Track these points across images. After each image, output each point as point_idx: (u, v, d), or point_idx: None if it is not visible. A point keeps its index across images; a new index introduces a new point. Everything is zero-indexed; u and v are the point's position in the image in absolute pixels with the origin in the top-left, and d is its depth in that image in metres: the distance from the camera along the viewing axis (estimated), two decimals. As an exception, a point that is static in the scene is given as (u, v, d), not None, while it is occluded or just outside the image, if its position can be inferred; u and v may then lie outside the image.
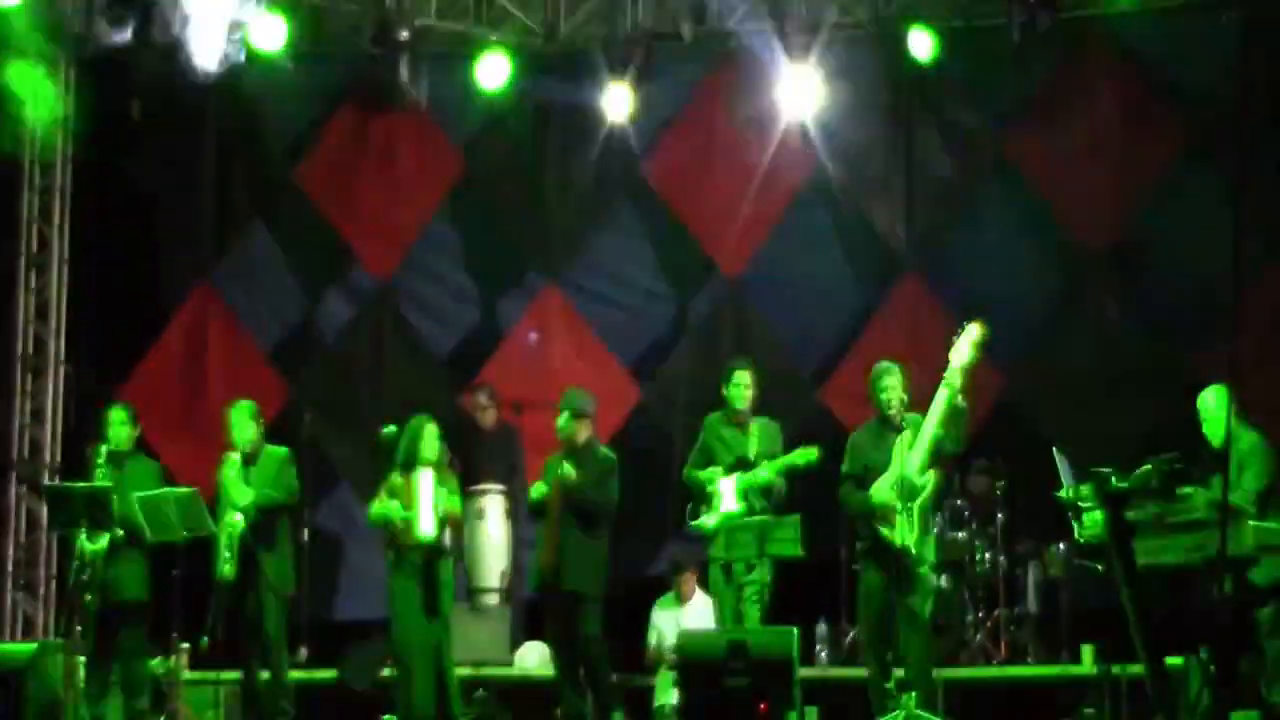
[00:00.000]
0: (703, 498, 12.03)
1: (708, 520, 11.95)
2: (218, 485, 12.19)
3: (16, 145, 14.84)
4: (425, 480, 11.85)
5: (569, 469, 11.91)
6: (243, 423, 12.25)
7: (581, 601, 11.94)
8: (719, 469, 11.99)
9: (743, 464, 11.93)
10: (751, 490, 11.85)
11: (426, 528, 11.77)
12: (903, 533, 11.08)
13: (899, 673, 11.17)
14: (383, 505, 11.89)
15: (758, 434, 11.99)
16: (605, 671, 12.11)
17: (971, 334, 11.22)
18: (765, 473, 11.83)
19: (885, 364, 11.56)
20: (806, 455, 11.79)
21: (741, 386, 12.09)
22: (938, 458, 11.26)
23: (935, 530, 11.72)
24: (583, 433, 12.17)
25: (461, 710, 12.09)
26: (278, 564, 12.12)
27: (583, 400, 12.27)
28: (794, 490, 11.96)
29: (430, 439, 11.92)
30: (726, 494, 11.92)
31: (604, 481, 12.05)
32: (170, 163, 15.54)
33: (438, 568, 11.90)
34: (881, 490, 11.20)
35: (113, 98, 15.16)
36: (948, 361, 11.18)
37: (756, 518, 11.63)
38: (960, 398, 11.13)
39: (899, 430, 11.27)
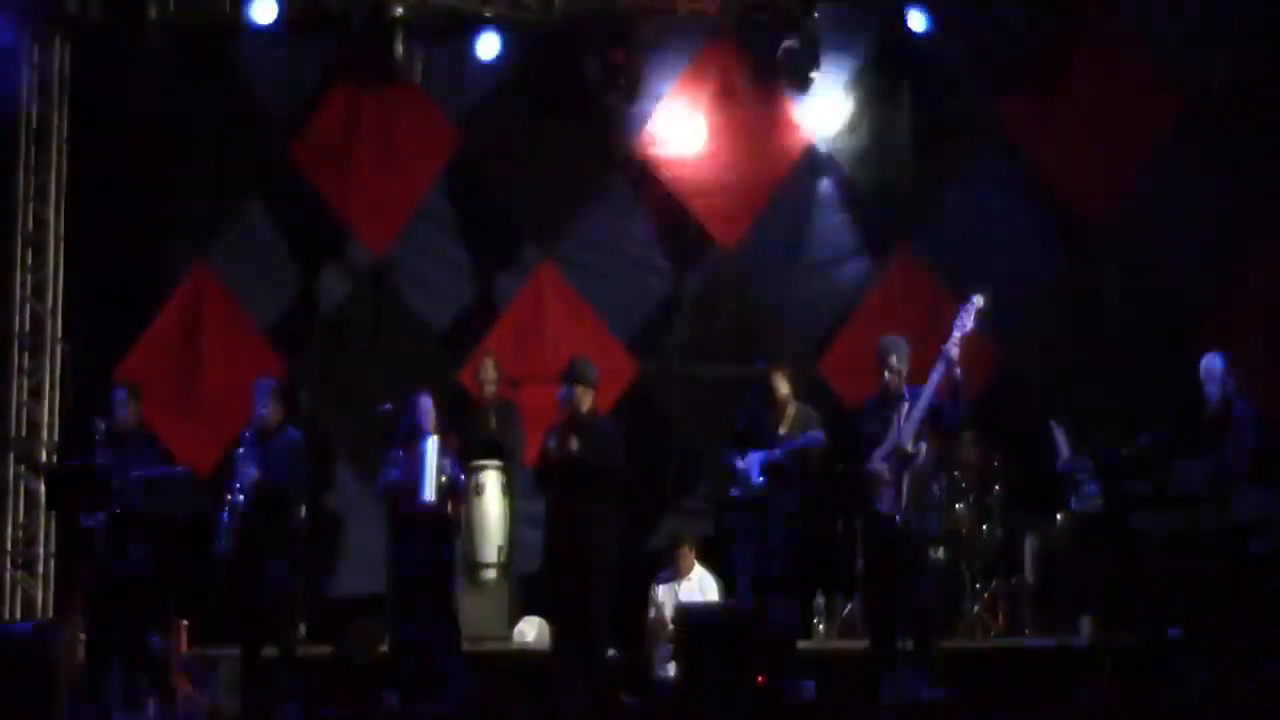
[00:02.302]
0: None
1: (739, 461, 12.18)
2: (225, 460, 12.19)
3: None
4: (429, 448, 11.92)
5: (574, 444, 11.93)
6: (264, 399, 12.24)
7: (590, 575, 11.97)
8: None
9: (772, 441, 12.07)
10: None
11: (428, 494, 11.84)
12: (893, 503, 11.09)
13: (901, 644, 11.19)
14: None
15: (789, 421, 12.20)
16: (604, 649, 12.13)
17: (975, 303, 11.19)
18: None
19: (894, 338, 11.52)
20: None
21: (775, 391, 12.32)
22: (934, 429, 11.26)
23: (936, 502, 11.70)
24: (586, 401, 12.20)
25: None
26: (279, 546, 12.09)
27: (588, 368, 12.29)
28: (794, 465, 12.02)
29: (426, 411, 12.03)
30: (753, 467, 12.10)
31: (607, 449, 12.09)
32: (165, 141, 15.51)
33: (441, 542, 11.97)
34: (875, 460, 11.21)
35: (107, 77, 15.18)
36: (950, 331, 11.17)
37: None
38: (958, 369, 11.12)
39: (900, 401, 11.27)
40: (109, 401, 12.31)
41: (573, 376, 12.14)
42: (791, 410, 12.24)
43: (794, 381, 12.44)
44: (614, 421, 12.45)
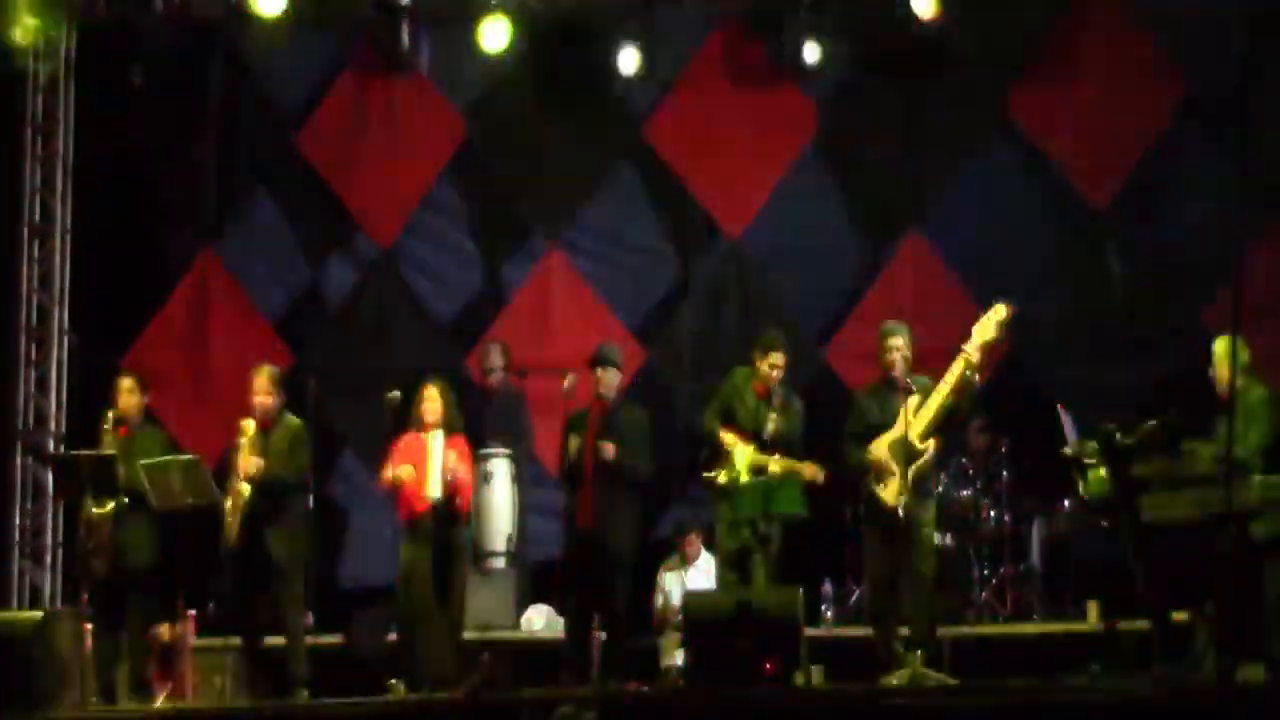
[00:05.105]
0: (717, 452, 11.95)
1: (719, 476, 11.93)
2: (230, 451, 12.13)
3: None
4: (434, 443, 11.89)
5: (610, 447, 11.89)
6: (264, 387, 12.15)
7: (615, 568, 11.95)
8: (735, 439, 11.92)
9: (758, 439, 11.79)
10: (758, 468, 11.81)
11: (433, 489, 11.81)
12: (894, 493, 11.05)
13: (904, 631, 11.14)
14: (398, 470, 11.92)
15: (780, 412, 11.69)
16: (622, 642, 12.10)
17: (998, 313, 11.10)
18: (774, 467, 11.61)
19: (892, 324, 11.48)
20: (815, 474, 11.58)
21: (773, 368, 11.79)
22: (942, 426, 11.21)
23: (935, 493, 11.67)
24: (614, 387, 12.17)
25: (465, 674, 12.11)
26: (287, 537, 12.00)
27: (617, 352, 12.29)
28: (800, 450, 11.94)
29: (430, 401, 11.97)
30: (739, 460, 11.91)
31: (641, 444, 12.06)
32: (172, 130, 15.52)
33: (448, 533, 11.94)
34: (879, 447, 11.16)
35: (114, 66, 15.18)
36: (961, 328, 11.12)
37: (761, 478, 11.58)
38: (976, 374, 11.05)
39: (904, 390, 11.21)
40: (114, 391, 12.24)
41: (605, 360, 12.13)
42: (777, 400, 11.73)
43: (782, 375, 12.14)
44: (643, 410, 12.44)
